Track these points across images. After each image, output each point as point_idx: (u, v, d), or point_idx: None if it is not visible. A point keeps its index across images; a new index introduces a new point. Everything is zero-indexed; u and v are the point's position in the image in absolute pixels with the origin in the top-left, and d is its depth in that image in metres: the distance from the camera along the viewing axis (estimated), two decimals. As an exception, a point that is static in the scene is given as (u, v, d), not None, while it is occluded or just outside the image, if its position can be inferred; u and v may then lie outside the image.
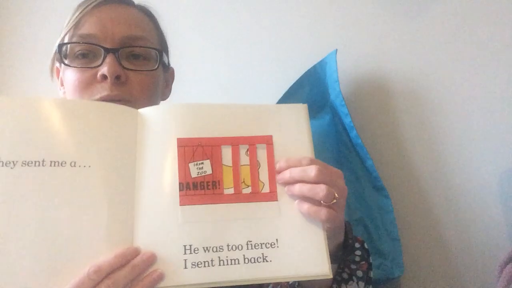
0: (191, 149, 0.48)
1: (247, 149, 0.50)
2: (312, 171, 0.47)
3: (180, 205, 0.46)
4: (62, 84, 0.65)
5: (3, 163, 0.42)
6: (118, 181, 0.45)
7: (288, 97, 1.08)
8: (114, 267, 0.41)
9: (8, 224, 0.41)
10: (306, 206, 0.47)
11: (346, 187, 0.50)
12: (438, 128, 0.99)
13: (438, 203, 0.98)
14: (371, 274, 0.58)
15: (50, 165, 0.43)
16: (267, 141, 0.50)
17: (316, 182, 0.47)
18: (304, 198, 0.48)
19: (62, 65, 0.60)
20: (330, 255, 0.52)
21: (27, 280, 0.39)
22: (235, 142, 0.49)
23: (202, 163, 0.48)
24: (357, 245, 0.59)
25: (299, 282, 0.59)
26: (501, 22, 0.94)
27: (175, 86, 0.78)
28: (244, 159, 0.49)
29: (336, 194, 0.47)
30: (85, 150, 0.45)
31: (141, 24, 0.62)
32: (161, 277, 0.42)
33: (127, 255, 0.42)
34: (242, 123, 0.50)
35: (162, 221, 0.45)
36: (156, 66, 0.61)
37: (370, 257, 0.59)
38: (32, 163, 0.43)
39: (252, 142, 0.50)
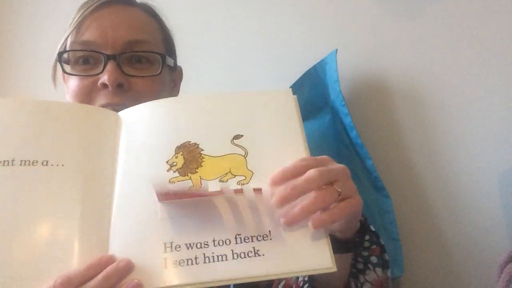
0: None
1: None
2: (304, 185, 0.40)
3: (159, 201, 0.42)
4: None
5: None
6: (94, 181, 0.43)
7: (288, 97, 1.08)
8: (85, 278, 0.37)
9: None
10: (322, 218, 0.40)
11: (343, 166, 0.44)
12: (438, 128, 0.98)
13: (438, 203, 0.98)
14: (386, 257, 0.54)
15: (20, 164, 0.41)
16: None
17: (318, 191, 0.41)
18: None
19: (63, 69, 0.59)
20: (348, 242, 0.48)
21: None
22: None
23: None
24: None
25: (310, 281, 0.54)
26: (501, 22, 0.93)
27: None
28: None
29: (339, 189, 0.41)
30: (58, 149, 0.43)
31: (144, 26, 0.60)
32: (138, 284, 0.37)
33: (101, 264, 0.37)
34: (221, 115, 0.48)
35: (139, 219, 0.41)
36: (159, 71, 0.59)
37: (381, 239, 0.55)
38: (0, 162, 0.41)
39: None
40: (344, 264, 0.51)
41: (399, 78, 1.02)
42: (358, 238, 0.52)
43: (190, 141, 0.45)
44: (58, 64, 0.61)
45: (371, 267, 0.53)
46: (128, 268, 0.37)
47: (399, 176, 1.01)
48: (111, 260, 0.38)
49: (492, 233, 0.93)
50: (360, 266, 0.53)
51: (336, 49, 0.99)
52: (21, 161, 0.42)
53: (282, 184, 0.41)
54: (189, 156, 0.44)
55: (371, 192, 0.99)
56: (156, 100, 0.49)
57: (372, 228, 0.55)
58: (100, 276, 0.37)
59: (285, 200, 0.40)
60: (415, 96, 1.00)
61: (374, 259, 0.53)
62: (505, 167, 0.92)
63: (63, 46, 0.59)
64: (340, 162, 1.02)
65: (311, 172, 0.41)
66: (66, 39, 0.58)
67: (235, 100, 0.49)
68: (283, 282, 0.58)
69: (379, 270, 0.53)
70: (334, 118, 1.03)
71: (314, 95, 1.06)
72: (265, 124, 0.48)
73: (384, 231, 0.96)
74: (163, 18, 0.66)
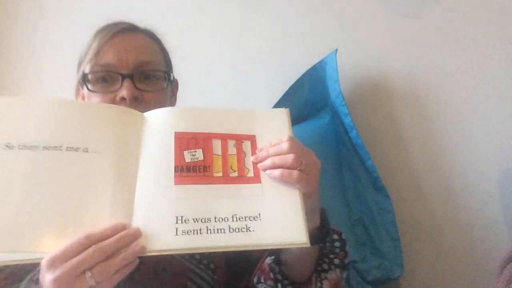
0: (186, 140, 0.57)
1: (235, 143, 0.58)
2: (284, 145, 0.56)
3: (175, 184, 0.53)
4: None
5: (27, 146, 0.52)
6: (123, 166, 0.54)
7: (288, 97, 1.08)
8: (102, 236, 0.47)
9: (28, 196, 0.49)
10: (278, 170, 0.54)
11: (317, 160, 0.58)
12: (438, 128, 0.99)
13: (438, 203, 0.98)
14: (347, 261, 0.66)
15: (67, 150, 0.53)
16: (251, 139, 0.59)
17: (287, 153, 0.55)
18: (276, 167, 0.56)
19: (85, 87, 0.71)
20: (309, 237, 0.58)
21: (33, 242, 0.47)
22: (224, 137, 0.58)
23: (195, 151, 0.56)
24: (335, 236, 0.66)
25: (279, 267, 0.66)
26: (501, 22, 0.94)
27: (180, 84, 0.83)
28: (232, 150, 0.58)
29: (303, 161, 0.54)
30: (96, 139, 0.54)
31: (149, 49, 0.73)
32: (142, 250, 0.47)
33: (115, 229, 0.48)
34: (230, 123, 0.60)
35: (158, 197, 0.52)
36: (166, 85, 0.72)
37: (347, 246, 0.66)
38: (51, 147, 0.53)
39: (238, 139, 0.59)
40: (307, 256, 0.63)
41: (399, 78, 1.02)
42: (329, 243, 0.64)
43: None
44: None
45: (333, 267, 0.64)
46: (137, 234, 0.48)
47: (399, 176, 1.01)
48: (124, 226, 0.48)
49: (492, 233, 0.93)
50: (325, 266, 0.64)
51: (336, 49, 0.99)
52: (67, 147, 0.53)
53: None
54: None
55: (371, 192, 0.99)
56: (175, 107, 0.62)
57: (343, 237, 0.66)
58: (114, 238, 0.47)
59: (257, 158, 0.57)
60: (415, 96, 1.01)
61: (337, 261, 0.65)
62: (505, 167, 0.92)
63: (84, 69, 0.71)
64: (340, 162, 1.03)
65: (284, 144, 0.56)
66: (87, 63, 0.70)
67: (238, 114, 0.61)
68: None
69: (338, 271, 0.64)
70: (334, 118, 1.03)
71: (314, 95, 1.06)
72: (262, 134, 0.60)
73: (384, 231, 0.96)
74: (162, 40, 0.78)
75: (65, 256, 0.45)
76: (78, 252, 0.45)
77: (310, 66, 1.05)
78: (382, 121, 1.04)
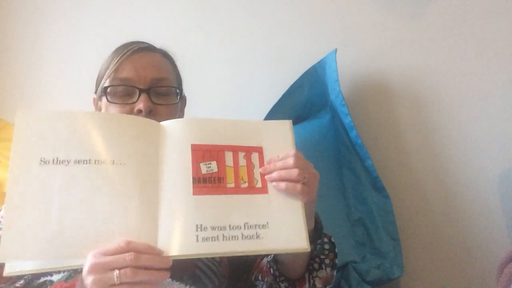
0: (202, 153, 0.61)
1: (244, 154, 0.63)
2: (290, 160, 0.62)
3: (193, 194, 0.58)
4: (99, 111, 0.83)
5: (60, 161, 0.56)
6: (146, 176, 0.58)
7: (287, 97, 1.08)
8: (139, 248, 0.53)
9: (65, 208, 0.54)
10: (283, 183, 0.61)
11: (317, 172, 0.64)
12: (438, 128, 0.99)
13: (438, 203, 0.98)
14: (336, 261, 0.72)
15: (95, 163, 0.57)
16: (259, 150, 0.64)
17: (293, 168, 0.61)
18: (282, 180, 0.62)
19: (103, 99, 0.76)
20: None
21: (73, 249, 0.53)
22: (235, 149, 0.63)
23: (210, 163, 0.61)
24: (325, 239, 0.72)
25: (276, 265, 0.72)
26: (501, 21, 0.94)
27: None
28: (242, 162, 0.63)
29: (306, 175, 0.61)
30: (121, 152, 0.58)
31: (164, 67, 0.79)
32: (166, 276, 0.54)
33: (151, 249, 0.54)
34: (239, 135, 0.65)
35: (180, 206, 0.57)
36: (177, 101, 0.79)
37: (336, 248, 0.72)
38: (81, 161, 0.56)
39: (248, 151, 0.64)
40: (300, 256, 0.69)
41: (399, 78, 1.02)
42: (320, 245, 0.71)
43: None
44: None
45: (323, 267, 0.71)
46: (168, 262, 0.54)
47: (399, 176, 1.01)
48: (160, 252, 0.54)
49: (492, 233, 0.93)
50: (316, 266, 0.71)
51: (336, 49, 0.99)
52: (95, 160, 0.57)
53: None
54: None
55: (371, 192, 0.99)
56: (190, 118, 0.66)
57: (332, 240, 0.73)
58: (150, 256, 0.53)
59: (265, 170, 0.62)
60: (415, 96, 1.01)
61: (327, 261, 0.71)
62: (505, 167, 0.92)
63: (104, 83, 0.76)
64: (340, 162, 1.03)
65: (290, 159, 0.62)
66: (108, 77, 0.76)
67: (247, 125, 0.66)
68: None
69: (328, 269, 0.71)
70: (334, 118, 1.03)
71: (314, 94, 1.06)
72: (268, 145, 0.65)
73: (384, 231, 0.96)
74: (174, 60, 0.84)
75: (105, 252, 0.52)
76: (116, 253, 0.52)
77: (310, 66, 1.05)
78: (382, 121, 1.04)
